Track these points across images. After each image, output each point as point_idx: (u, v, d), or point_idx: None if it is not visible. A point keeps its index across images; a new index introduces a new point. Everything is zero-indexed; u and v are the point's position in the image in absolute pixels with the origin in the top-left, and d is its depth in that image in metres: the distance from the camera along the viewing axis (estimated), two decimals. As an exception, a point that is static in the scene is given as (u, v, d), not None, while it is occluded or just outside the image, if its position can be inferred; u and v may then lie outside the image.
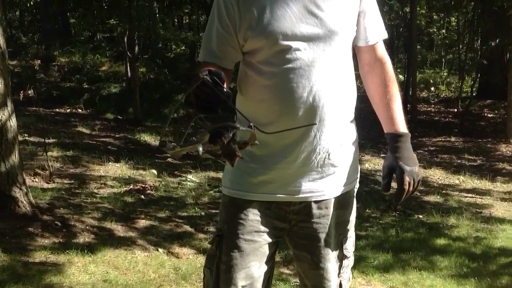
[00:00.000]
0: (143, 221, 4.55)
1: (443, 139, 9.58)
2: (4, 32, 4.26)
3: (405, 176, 1.60)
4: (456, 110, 11.42)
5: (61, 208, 4.53)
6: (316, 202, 1.70)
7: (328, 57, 1.61)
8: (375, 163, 7.25)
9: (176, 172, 6.20)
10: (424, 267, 3.97)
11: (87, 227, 4.21)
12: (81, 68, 12.16)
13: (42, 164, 5.65)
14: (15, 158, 4.10)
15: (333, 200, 1.72)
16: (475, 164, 7.78)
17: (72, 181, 5.52)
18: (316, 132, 1.63)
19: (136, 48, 9.34)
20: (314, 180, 1.68)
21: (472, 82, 11.92)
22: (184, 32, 12.68)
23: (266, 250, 1.72)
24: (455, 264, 4.04)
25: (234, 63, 1.71)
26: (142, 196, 5.25)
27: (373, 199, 5.61)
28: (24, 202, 4.13)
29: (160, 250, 3.95)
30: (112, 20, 8.90)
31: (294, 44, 1.58)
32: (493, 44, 10.21)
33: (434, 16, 16.64)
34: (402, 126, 1.69)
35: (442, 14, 15.82)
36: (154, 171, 6.11)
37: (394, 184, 1.64)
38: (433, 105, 12.58)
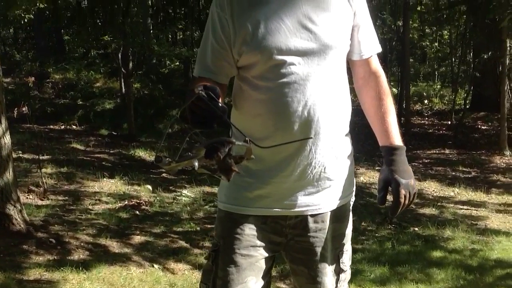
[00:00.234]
0: (138, 237, 4.52)
1: (437, 152, 9.61)
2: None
3: (401, 189, 1.60)
4: (449, 122, 11.49)
5: (56, 225, 4.51)
6: (312, 216, 1.70)
7: (323, 71, 1.62)
8: (370, 176, 7.26)
9: (171, 187, 6.18)
10: (421, 280, 3.96)
11: (82, 244, 4.19)
12: (75, 84, 12.16)
13: (36, 181, 5.62)
14: (9, 175, 4.09)
15: (329, 214, 1.72)
16: (469, 176, 7.79)
17: (67, 197, 5.49)
18: (312, 146, 1.63)
19: (130, 64, 9.35)
20: (310, 194, 1.68)
21: (465, 95, 11.98)
22: (178, 47, 12.71)
23: (262, 264, 1.71)
24: (451, 276, 4.03)
25: (229, 78, 1.71)
26: (137, 212, 5.23)
27: (368, 212, 5.61)
28: (18, 219, 4.11)
29: (156, 266, 3.93)
30: (106, 36, 8.91)
31: (288, 58, 1.59)
32: (485, 56, 10.30)
33: (427, 30, 16.83)
34: (397, 139, 1.69)
35: (435, 28, 16.00)
36: (149, 187, 6.09)
37: (390, 197, 1.64)
38: (426, 118, 12.65)
